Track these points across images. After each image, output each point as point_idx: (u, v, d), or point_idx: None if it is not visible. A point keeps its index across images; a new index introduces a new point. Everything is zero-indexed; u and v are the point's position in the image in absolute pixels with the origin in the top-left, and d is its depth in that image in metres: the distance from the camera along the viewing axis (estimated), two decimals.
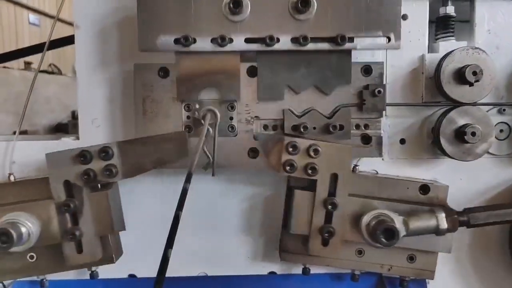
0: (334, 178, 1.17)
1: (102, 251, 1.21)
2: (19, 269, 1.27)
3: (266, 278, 1.38)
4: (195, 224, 1.35)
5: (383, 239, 1.14)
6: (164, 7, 1.16)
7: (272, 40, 1.17)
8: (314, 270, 1.35)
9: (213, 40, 1.17)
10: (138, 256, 1.36)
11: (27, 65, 8.46)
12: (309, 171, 1.15)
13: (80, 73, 1.33)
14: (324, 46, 1.18)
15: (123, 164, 1.13)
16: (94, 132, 1.33)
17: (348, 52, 1.21)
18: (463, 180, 1.36)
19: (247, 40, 1.17)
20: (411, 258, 1.30)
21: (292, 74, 1.23)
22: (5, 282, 1.34)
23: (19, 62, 8.26)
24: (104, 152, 1.11)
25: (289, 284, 1.39)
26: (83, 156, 1.12)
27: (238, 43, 1.17)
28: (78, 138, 1.35)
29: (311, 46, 1.17)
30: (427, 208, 1.21)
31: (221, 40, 1.16)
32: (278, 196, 1.35)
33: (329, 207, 1.17)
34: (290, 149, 1.14)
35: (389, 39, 1.18)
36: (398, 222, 1.16)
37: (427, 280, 1.36)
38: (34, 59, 8.21)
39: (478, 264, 1.37)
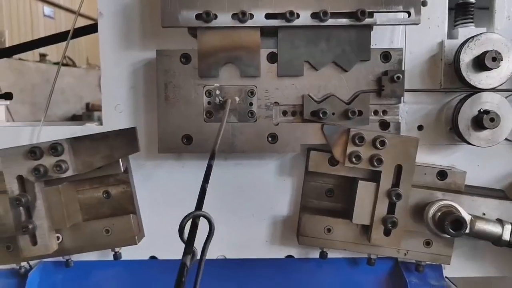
0: (398, 169, 1.21)
1: (57, 244, 1.29)
2: None
3: (283, 262, 1.42)
4: (215, 209, 1.38)
5: (450, 230, 1.17)
6: None
7: (292, 15, 1.19)
8: (331, 254, 1.38)
9: (233, 16, 1.20)
10: (159, 239, 1.41)
11: (42, 57, 8.60)
12: (375, 163, 1.20)
13: (103, 60, 1.37)
14: (344, 21, 1.20)
15: (74, 160, 1.21)
16: (117, 118, 1.37)
17: (368, 27, 1.23)
18: (481, 166, 1.38)
19: (268, 16, 1.20)
20: (428, 243, 1.32)
21: (311, 50, 1.24)
22: (31, 263, 1.40)
23: (34, 54, 8.40)
24: (54, 148, 1.21)
25: (306, 267, 1.42)
26: (33, 152, 1.21)
27: (259, 18, 1.20)
28: (101, 124, 1.39)
29: (331, 21, 1.20)
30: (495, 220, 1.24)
31: (241, 16, 1.19)
32: (296, 180, 1.39)
33: (394, 198, 1.22)
34: (357, 141, 1.19)
35: (409, 14, 1.19)
36: (465, 217, 1.19)
37: (443, 265, 1.38)
38: (49, 51, 8.35)
39: (494, 250, 1.39)
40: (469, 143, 1.29)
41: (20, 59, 7.46)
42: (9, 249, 1.32)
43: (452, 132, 1.35)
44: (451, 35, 1.38)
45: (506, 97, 1.31)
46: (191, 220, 0.85)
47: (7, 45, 6.62)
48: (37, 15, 9.84)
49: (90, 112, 8.43)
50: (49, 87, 1.48)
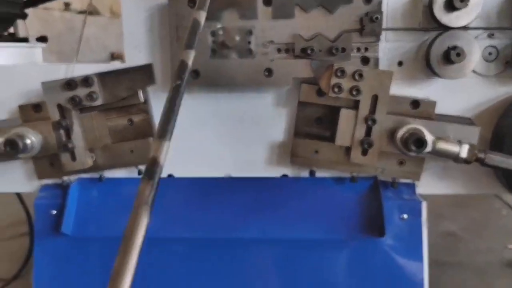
0: (375, 98, 1.47)
1: (92, 161, 1.63)
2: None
3: (279, 180, 1.72)
4: (220, 135, 1.69)
5: (413, 147, 1.44)
6: None
7: None
8: (319, 173, 1.67)
9: None
10: (175, 160, 1.71)
11: (66, 6, 8.90)
12: (354, 93, 1.47)
13: (124, 6, 1.64)
14: None
15: (102, 91, 1.53)
16: (137, 57, 1.66)
17: None
18: (453, 98, 1.61)
19: None
20: (401, 163, 1.59)
21: None
22: (71, 178, 1.74)
23: (59, 3, 8.69)
24: (86, 81, 1.52)
25: (299, 185, 1.72)
26: (69, 84, 1.52)
27: None
28: (124, 62, 1.69)
29: None
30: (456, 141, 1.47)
31: None
32: (290, 110, 1.66)
33: (369, 123, 1.50)
34: (339, 74, 1.46)
35: None
36: (428, 137, 1.45)
37: (416, 183, 1.65)
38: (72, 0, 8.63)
39: (463, 170, 1.64)
40: (440, 76, 1.53)
41: (45, 8, 7.78)
42: (53, 165, 1.67)
43: (428, 67, 1.58)
44: None
45: (476, 37, 1.53)
46: None
47: None
48: None
49: (114, 60, 8.79)
50: (74, 36, 1.77)
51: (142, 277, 1.72)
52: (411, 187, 1.65)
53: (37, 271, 1.69)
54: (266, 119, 1.67)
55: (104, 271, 1.69)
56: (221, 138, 1.70)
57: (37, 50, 2.04)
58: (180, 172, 1.74)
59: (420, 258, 1.61)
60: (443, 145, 1.45)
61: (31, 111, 1.62)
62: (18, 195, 2.42)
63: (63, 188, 1.72)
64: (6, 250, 2.76)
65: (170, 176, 1.74)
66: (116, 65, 1.70)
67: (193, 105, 1.68)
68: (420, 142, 1.43)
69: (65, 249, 1.68)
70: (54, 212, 1.68)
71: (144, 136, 1.66)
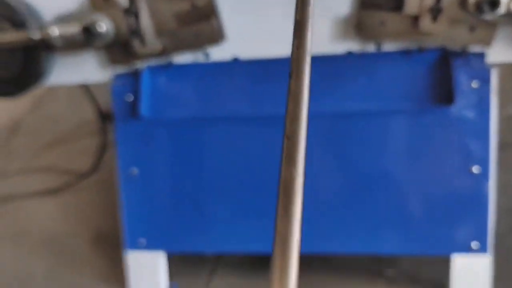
0: None
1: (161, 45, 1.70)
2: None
3: (344, 56, 1.75)
4: (285, 11, 1.71)
5: (487, 8, 1.42)
6: None
7: None
8: (385, 48, 1.69)
9: None
10: (239, 40, 1.78)
11: None
12: None
13: None
14: None
15: None
16: None
17: None
18: None
19: None
20: (472, 29, 1.58)
21: None
22: (140, 67, 1.85)
23: None
24: None
25: (364, 60, 1.75)
26: None
27: None
28: None
29: None
30: None
31: None
32: None
33: None
34: None
35: None
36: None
37: (485, 52, 1.64)
38: None
39: None
40: None
41: None
42: (124, 52, 1.78)
43: None
44: None
45: None
46: None
47: None
48: None
49: None
50: None
51: (216, 154, 1.88)
52: (481, 56, 1.65)
53: (121, 154, 1.87)
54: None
55: (181, 151, 1.86)
56: (284, 15, 1.72)
57: None
58: (244, 52, 1.81)
59: (487, 125, 1.66)
60: None
61: (100, 0, 1.70)
62: (88, 90, 2.59)
63: (135, 75, 1.83)
64: (79, 148, 3.01)
65: (234, 60, 1.81)
66: None
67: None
68: (494, 2, 1.41)
69: (145, 132, 1.84)
70: (131, 96, 1.81)
71: (208, 19, 1.71)
